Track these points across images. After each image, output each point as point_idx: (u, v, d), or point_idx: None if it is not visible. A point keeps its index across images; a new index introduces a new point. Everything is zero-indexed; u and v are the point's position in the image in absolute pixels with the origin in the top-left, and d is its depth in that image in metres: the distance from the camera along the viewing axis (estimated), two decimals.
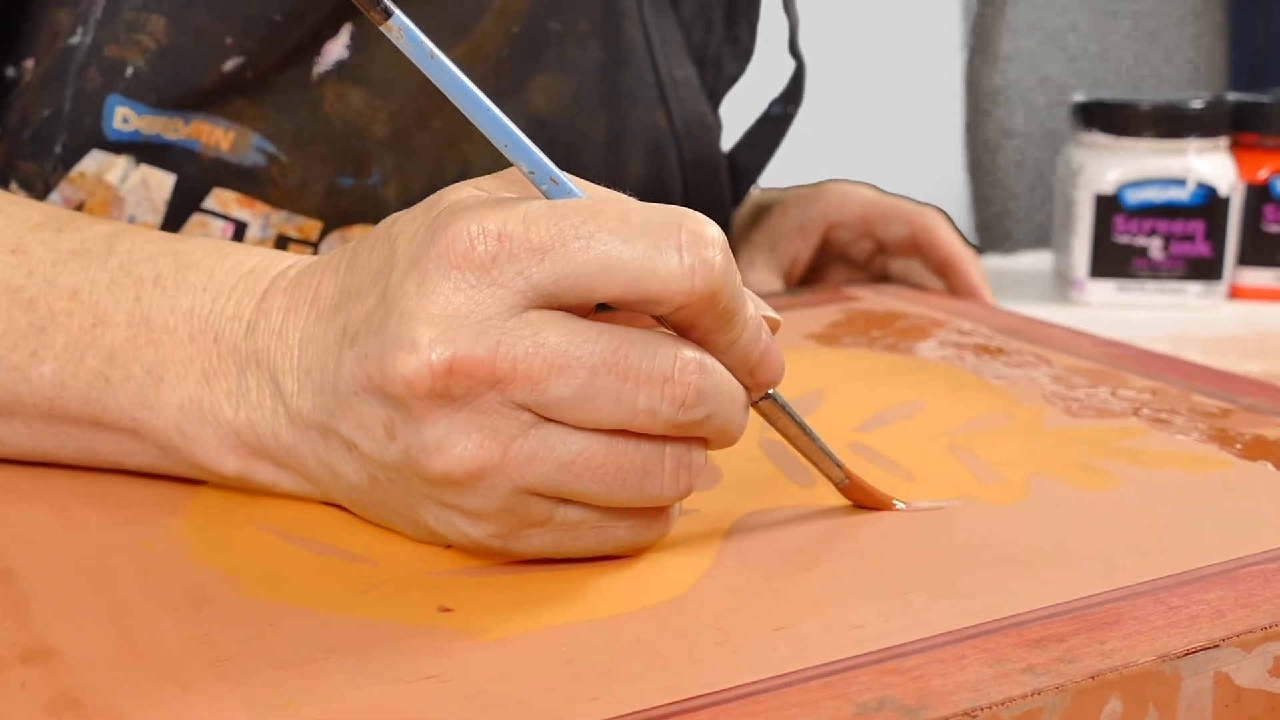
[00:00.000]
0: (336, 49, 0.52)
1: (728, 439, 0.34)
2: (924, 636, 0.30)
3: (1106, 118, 0.78)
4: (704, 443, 0.33)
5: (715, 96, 0.68)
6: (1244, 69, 1.59)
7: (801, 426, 0.37)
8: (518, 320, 0.31)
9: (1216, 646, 0.30)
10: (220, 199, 0.51)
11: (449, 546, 0.35)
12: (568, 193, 0.33)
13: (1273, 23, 1.63)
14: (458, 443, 0.31)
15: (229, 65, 0.50)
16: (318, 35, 0.51)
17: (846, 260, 0.73)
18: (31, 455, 0.41)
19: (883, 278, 0.72)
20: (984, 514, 0.38)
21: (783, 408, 0.36)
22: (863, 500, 0.38)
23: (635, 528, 0.34)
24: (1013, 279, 0.86)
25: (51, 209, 0.42)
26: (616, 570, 0.34)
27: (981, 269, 0.68)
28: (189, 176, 0.50)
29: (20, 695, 0.28)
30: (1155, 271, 0.78)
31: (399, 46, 0.32)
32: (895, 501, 0.38)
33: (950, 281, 0.68)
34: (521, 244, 0.31)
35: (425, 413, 0.31)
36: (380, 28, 0.32)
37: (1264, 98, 0.80)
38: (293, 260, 0.38)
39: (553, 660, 0.30)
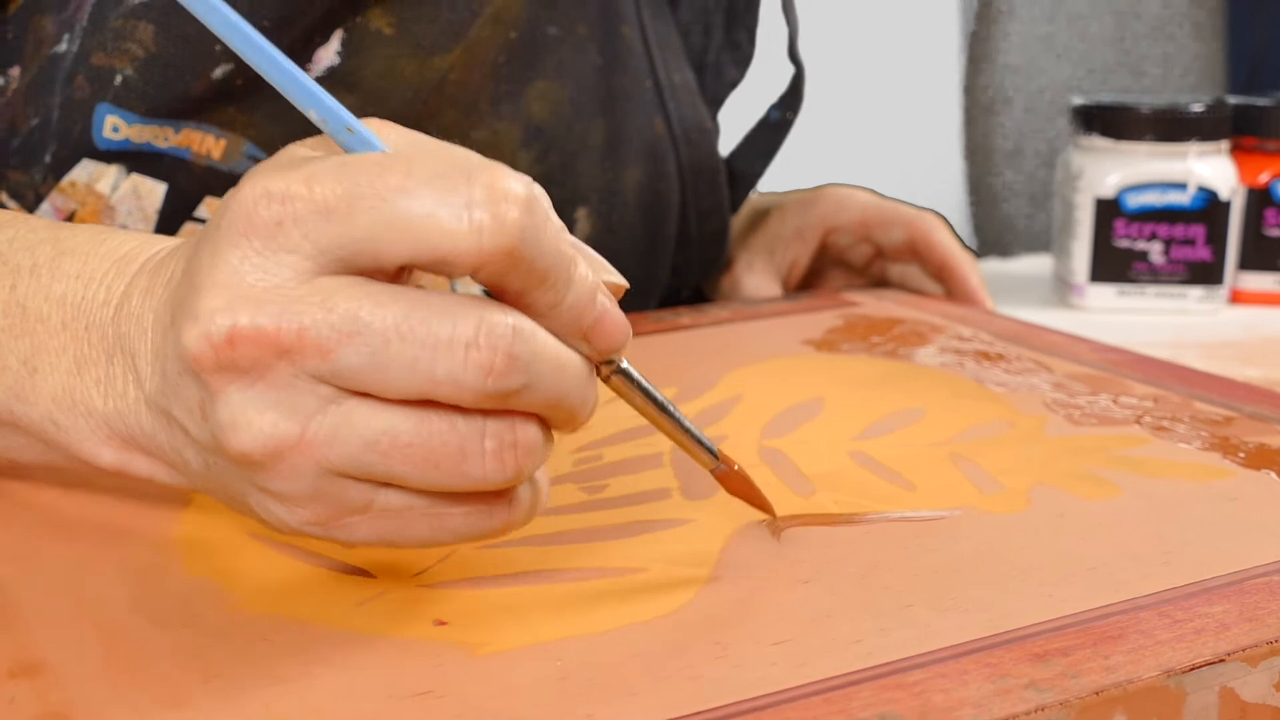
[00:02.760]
0: (328, 55, 0.51)
1: (566, 414, 0.31)
2: (925, 651, 0.30)
3: (1106, 121, 0.77)
4: (534, 419, 0.30)
5: (715, 102, 0.68)
6: (1242, 72, 1.59)
7: (660, 405, 0.34)
8: (308, 287, 0.29)
9: (1222, 661, 0.30)
10: (213, 207, 0.50)
11: (449, 555, 0.35)
12: (366, 144, 0.31)
13: (1271, 25, 1.63)
14: (252, 420, 0.29)
15: (219, 72, 0.49)
16: (308, 42, 0.51)
17: (844, 265, 0.72)
18: None
19: (881, 282, 0.71)
20: (985, 524, 0.37)
21: (636, 383, 0.33)
22: (742, 493, 0.36)
23: (472, 515, 0.31)
24: (1011, 283, 0.86)
25: None
26: (613, 583, 0.34)
27: (980, 273, 0.68)
28: (180, 185, 0.50)
29: (9, 711, 0.28)
30: (1156, 276, 0.77)
31: None
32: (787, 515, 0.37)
33: (949, 286, 0.68)
34: (306, 205, 0.29)
35: (218, 389, 0.29)
36: None
37: (1264, 101, 0.80)
38: (166, 243, 0.36)
39: (549, 675, 0.29)
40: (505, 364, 0.29)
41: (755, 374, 0.52)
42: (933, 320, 0.61)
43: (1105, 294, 0.78)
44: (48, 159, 0.49)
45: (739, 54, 0.67)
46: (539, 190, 0.30)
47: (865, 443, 0.44)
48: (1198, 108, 0.76)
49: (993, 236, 1.45)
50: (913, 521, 0.38)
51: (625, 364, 0.33)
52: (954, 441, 0.44)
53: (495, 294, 0.30)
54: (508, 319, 0.29)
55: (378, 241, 0.29)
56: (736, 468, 0.36)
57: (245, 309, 0.29)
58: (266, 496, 0.31)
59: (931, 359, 0.55)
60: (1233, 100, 0.80)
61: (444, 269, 0.29)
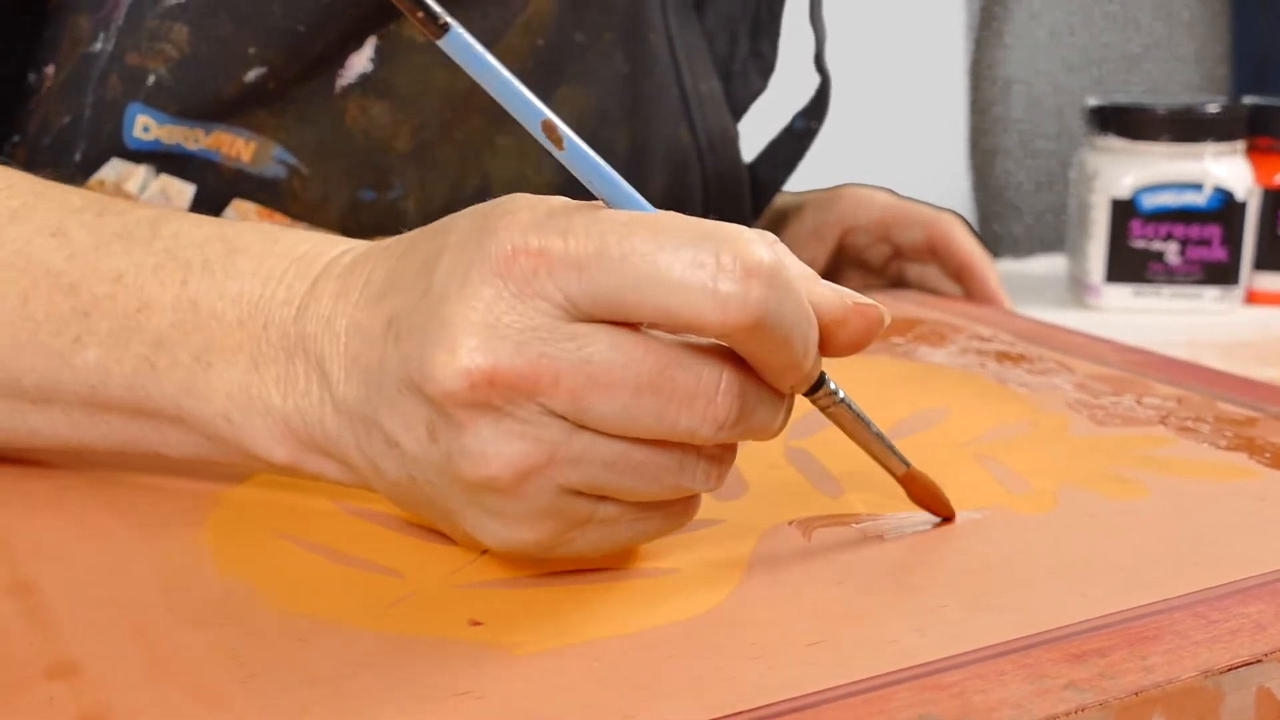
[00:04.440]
0: (360, 62, 0.51)
1: (762, 439, 0.33)
2: (962, 651, 0.30)
3: (1122, 122, 0.77)
4: (733, 444, 0.33)
5: (738, 111, 0.68)
6: (1249, 70, 1.58)
7: (867, 424, 0.36)
8: (562, 332, 0.30)
9: (1259, 661, 0.30)
10: (240, 210, 0.50)
11: (484, 552, 0.35)
12: (628, 199, 0.32)
13: (1276, 23, 1.62)
14: (501, 451, 0.31)
15: (251, 76, 0.49)
16: (341, 47, 0.51)
17: (862, 265, 0.72)
18: (69, 446, 0.40)
19: (899, 283, 0.71)
20: (1015, 525, 0.37)
21: (854, 410, 0.36)
22: (923, 498, 0.38)
23: (667, 518, 0.34)
24: (1026, 284, 0.86)
25: (91, 194, 0.40)
26: (646, 583, 0.34)
27: (998, 273, 0.68)
28: (209, 187, 0.50)
29: (48, 711, 0.28)
30: (1171, 276, 0.77)
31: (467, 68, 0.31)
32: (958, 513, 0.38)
33: (967, 286, 0.68)
34: (560, 259, 0.30)
35: (467, 420, 0.31)
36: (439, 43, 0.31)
37: None
38: (347, 245, 0.37)
39: (587, 677, 0.29)
40: (736, 418, 0.31)
41: None
42: (952, 321, 0.61)
43: (1121, 294, 0.78)
44: (77, 157, 0.49)
45: (763, 63, 0.68)
46: (785, 256, 0.31)
47: None
48: (1213, 108, 0.76)
49: (1000, 237, 1.45)
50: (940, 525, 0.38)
51: (843, 394, 0.35)
52: (979, 442, 0.44)
53: (732, 347, 0.31)
54: (737, 377, 0.31)
55: (625, 300, 0.30)
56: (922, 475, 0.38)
57: (504, 349, 0.30)
58: (491, 518, 0.32)
59: (952, 359, 0.55)
60: (1248, 100, 0.80)
61: (689, 332, 0.30)
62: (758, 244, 0.30)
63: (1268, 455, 0.43)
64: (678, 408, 0.30)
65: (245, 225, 0.38)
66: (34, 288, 0.38)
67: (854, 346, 0.33)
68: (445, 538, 0.37)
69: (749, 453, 0.43)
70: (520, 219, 0.31)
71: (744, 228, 0.31)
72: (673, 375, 0.30)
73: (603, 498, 0.32)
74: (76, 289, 0.37)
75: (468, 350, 0.30)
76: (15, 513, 0.39)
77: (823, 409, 0.35)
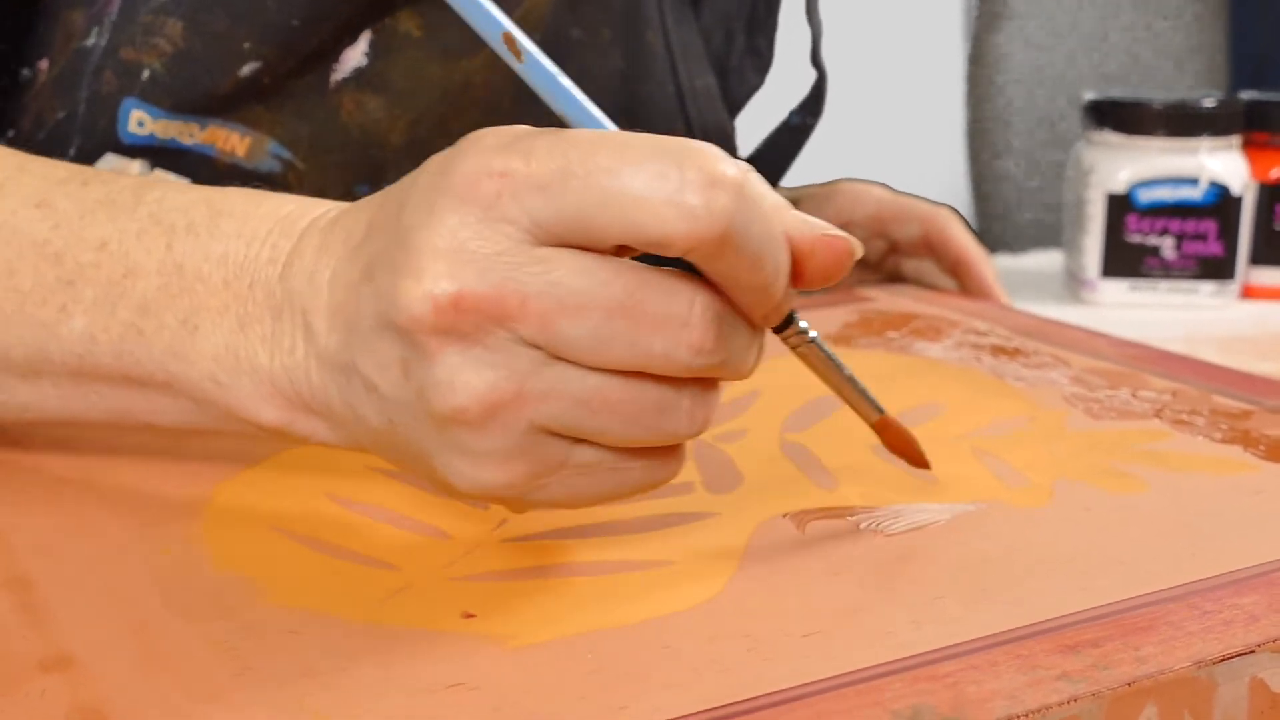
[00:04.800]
0: (355, 56, 0.51)
1: (738, 377, 0.33)
2: (957, 643, 0.30)
3: (1118, 117, 0.77)
4: (716, 381, 0.32)
5: (735, 108, 0.68)
6: (1246, 67, 1.58)
7: (837, 365, 0.36)
8: (529, 256, 0.30)
9: (1252, 652, 0.30)
10: None
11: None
12: (590, 120, 0.31)
13: (1275, 21, 1.62)
14: (469, 380, 0.30)
15: (246, 70, 0.49)
16: (336, 42, 0.51)
17: (859, 260, 0.72)
18: (59, 418, 0.39)
19: (895, 278, 0.71)
20: (1011, 518, 0.37)
21: (823, 349, 0.35)
22: (898, 447, 0.38)
23: (649, 468, 0.33)
24: (1022, 279, 0.86)
25: (77, 167, 0.40)
26: (641, 575, 0.34)
27: (995, 268, 0.68)
28: (204, 182, 0.49)
29: (40, 704, 0.28)
30: (1167, 271, 0.77)
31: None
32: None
33: (964, 281, 0.68)
34: (523, 180, 0.29)
35: (436, 349, 0.30)
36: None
37: (1276, 96, 0.80)
38: (331, 205, 0.37)
39: (580, 668, 0.29)
40: (713, 343, 0.30)
41: (772, 369, 0.52)
42: (948, 315, 0.61)
43: (1117, 289, 0.78)
44: (72, 153, 0.49)
45: (759, 60, 0.68)
46: (753, 173, 0.30)
47: None
48: (1210, 103, 0.76)
49: (995, 232, 1.45)
50: (939, 520, 0.38)
51: (814, 334, 0.35)
52: (975, 435, 0.44)
53: (700, 269, 0.31)
54: (712, 299, 0.30)
55: (590, 220, 0.29)
56: (895, 422, 0.38)
57: (470, 273, 0.29)
58: (461, 457, 0.31)
59: (948, 354, 0.55)
60: (1245, 96, 0.80)
61: (655, 250, 0.30)
62: (723, 159, 0.29)
63: (1263, 448, 0.43)
64: (651, 330, 0.30)
65: (230, 190, 0.38)
66: (19, 259, 0.37)
67: (825, 277, 0.33)
68: (440, 531, 0.37)
69: (744, 446, 0.43)
70: (484, 143, 0.30)
71: (710, 145, 0.30)
72: (644, 297, 0.30)
73: (579, 441, 0.32)
74: (61, 258, 0.37)
75: (433, 276, 0.30)
76: (10, 507, 0.39)
77: (793, 348, 0.35)
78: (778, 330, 0.34)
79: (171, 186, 0.38)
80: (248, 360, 0.35)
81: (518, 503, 0.33)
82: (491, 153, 0.30)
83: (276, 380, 0.35)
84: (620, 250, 0.30)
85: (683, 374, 0.31)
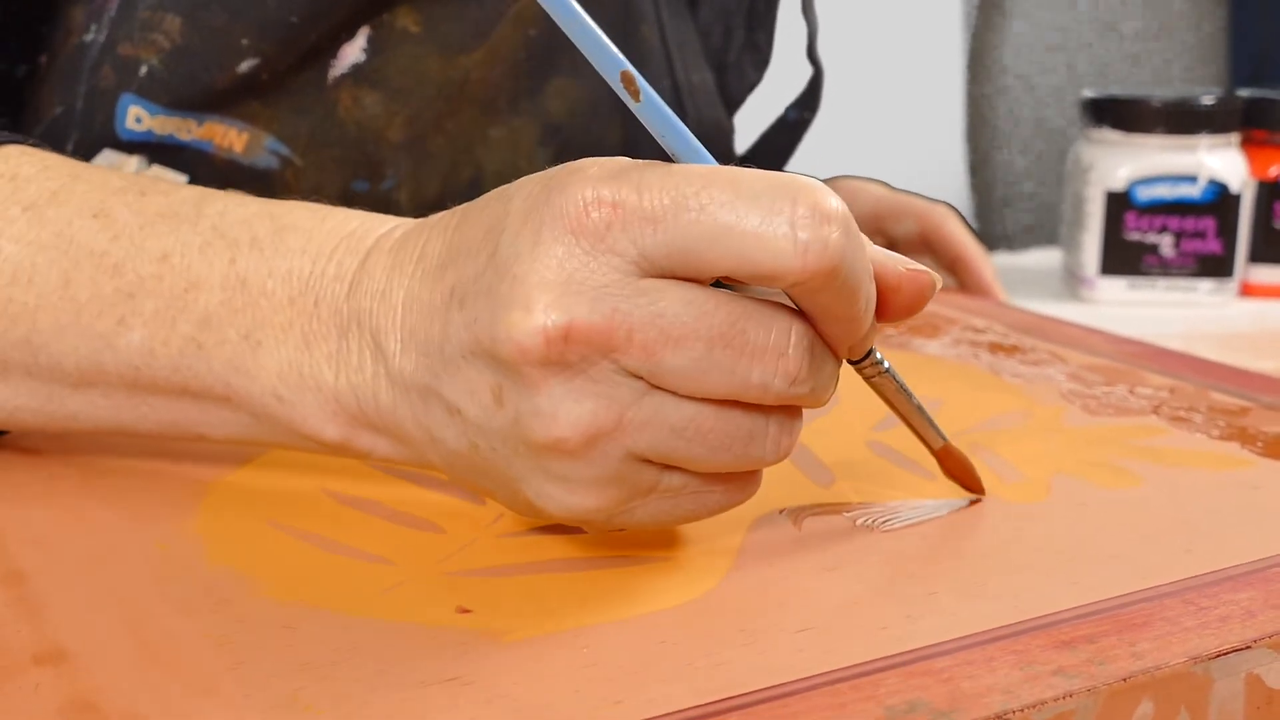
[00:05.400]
0: (353, 52, 0.51)
1: (818, 405, 0.33)
2: (952, 638, 0.30)
3: (1117, 114, 0.77)
4: (800, 410, 0.33)
5: (734, 104, 0.68)
6: (1246, 65, 1.58)
7: (908, 395, 0.37)
8: (634, 288, 0.30)
9: (1248, 648, 0.30)
10: None
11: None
12: (695, 154, 0.32)
13: (1275, 19, 1.62)
14: (572, 410, 0.30)
15: (244, 66, 0.49)
16: (334, 38, 0.51)
17: None
18: (108, 428, 0.39)
19: None
20: (1008, 513, 0.37)
21: (897, 381, 0.36)
22: (957, 473, 0.38)
23: (729, 491, 0.33)
24: (1020, 276, 0.86)
25: (129, 175, 0.40)
26: (637, 570, 0.34)
27: (993, 265, 0.68)
28: (202, 178, 0.50)
29: (34, 698, 0.28)
30: (1166, 269, 0.77)
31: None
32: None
33: (962, 278, 0.68)
34: (634, 212, 0.30)
35: (539, 380, 0.30)
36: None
37: (1275, 94, 0.80)
38: (396, 222, 0.37)
39: (576, 662, 0.29)
40: (807, 373, 0.31)
41: None
42: (946, 312, 0.61)
43: (1116, 287, 0.78)
44: (69, 148, 0.49)
45: (758, 56, 0.68)
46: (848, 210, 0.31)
47: (883, 433, 0.44)
48: (1208, 101, 0.76)
49: (993, 230, 1.45)
50: (935, 516, 0.38)
51: (889, 365, 0.36)
52: (973, 431, 0.44)
53: (797, 301, 0.31)
54: (806, 330, 0.31)
55: (702, 253, 0.30)
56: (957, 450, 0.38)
57: (580, 306, 0.30)
58: (554, 483, 0.32)
59: (946, 350, 0.55)
60: (1244, 93, 0.80)
61: (762, 283, 0.30)
62: (830, 194, 0.30)
63: (1260, 444, 0.43)
64: (750, 361, 0.30)
65: (290, 203, 0.38)
66: (75, 270, 0.37)
67: (907, 311, 0.33)
68: (435, 526, 0.37)
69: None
70: (589, 174, 0.31)
71: (813, 179, 0.31)
72: (745, 328, 0.30)
73: (669, 467, 0.32)
74: (121, 269, 0.37)
75: (543, 307, 0.30)
76: (5, 501, 0.39)
77: (868, 378, 0.36)
78: (856, 362, 0.35)
79: (232, 199, 0.38)
80: (312, 377, 0.35)
81: (604, 525, 0.33)
82: (600, 182, 0.30)
83: (342, 398, 0.35)
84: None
85: (774, 402, 0.31)
